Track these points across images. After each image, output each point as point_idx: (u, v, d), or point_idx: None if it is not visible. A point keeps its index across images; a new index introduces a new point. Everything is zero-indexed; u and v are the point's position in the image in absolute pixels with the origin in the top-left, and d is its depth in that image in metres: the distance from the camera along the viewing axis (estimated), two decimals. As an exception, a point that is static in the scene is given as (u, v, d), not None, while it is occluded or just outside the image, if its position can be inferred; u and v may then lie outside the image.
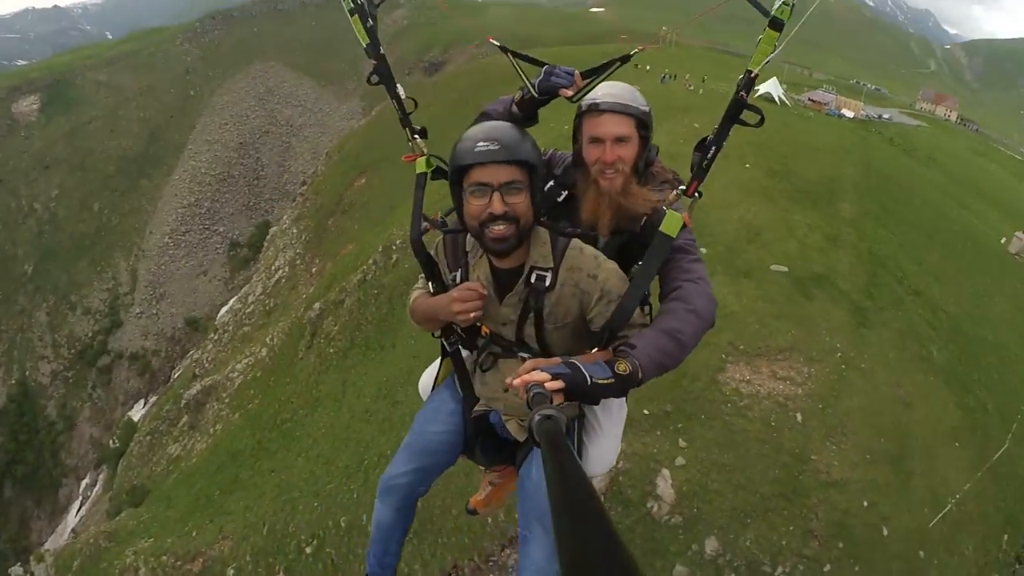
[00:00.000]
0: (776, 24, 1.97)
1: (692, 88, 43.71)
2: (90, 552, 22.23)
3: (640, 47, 2.73)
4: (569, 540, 0.74)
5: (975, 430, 12.60)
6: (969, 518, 10.37)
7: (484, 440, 2.60)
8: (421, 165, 2.63)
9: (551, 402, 1.69)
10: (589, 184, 2.44)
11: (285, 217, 49.49)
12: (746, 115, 2.14)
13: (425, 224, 2.50)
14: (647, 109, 2.46)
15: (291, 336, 27.31)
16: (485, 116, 2.62)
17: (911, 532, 9.21)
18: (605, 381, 1.85)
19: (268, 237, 53.98)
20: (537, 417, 1.37)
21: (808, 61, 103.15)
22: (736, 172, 20.58)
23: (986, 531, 10.53)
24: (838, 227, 18.47)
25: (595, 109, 2.39)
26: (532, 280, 2.20)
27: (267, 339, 30.39)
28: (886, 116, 63.36)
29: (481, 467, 3.13)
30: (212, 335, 42.83)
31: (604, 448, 2.57)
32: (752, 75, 2.07)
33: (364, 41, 2.65)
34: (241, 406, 25.87)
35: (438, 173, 2.63)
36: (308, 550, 10.74)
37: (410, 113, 2.72)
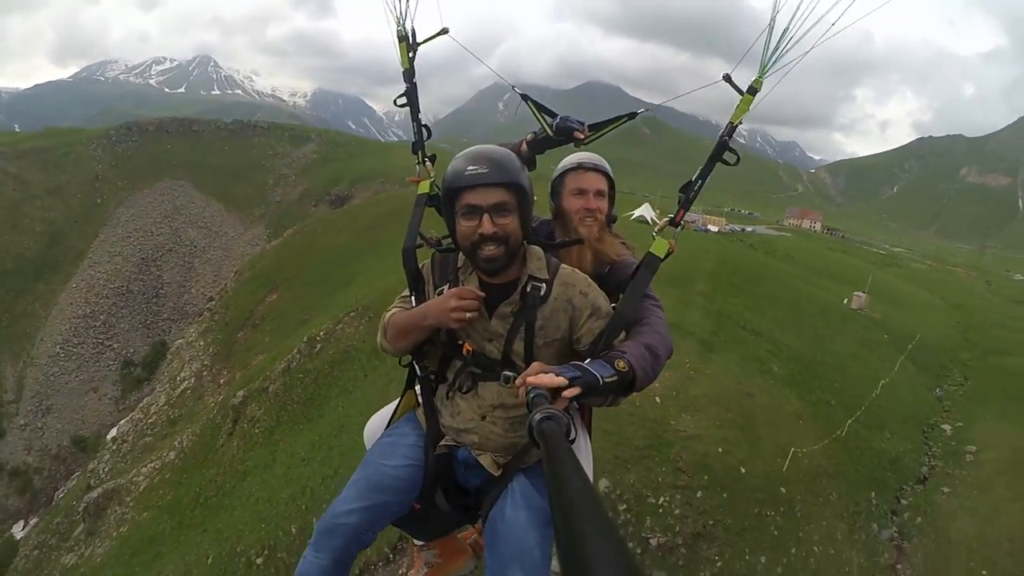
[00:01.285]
0: (752, 91, 2.33)
1: None
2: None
3: (644, 109, 3.11)
4: (572, 540, 0.75)
5: (817, 416, 16.12)
6: (826, 472, 13.45)
7: (444, 486, 2.47)
8: (424, 187, 2.83)
9: (550, 403, 1.71)
10: (570, 232, 2.78)
11: (191, 330, 49.43)
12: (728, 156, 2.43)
13: (420, 241, 2.61)
14: (612, 173, 2.98)
15: (203, 435, 27.31)
16: None
17: (767, 473, 12.00)
18: (611, 379, 2.00)
19: (172, 349, 52.85)
20: (538, 417, 1.45)
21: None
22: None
23: (849, 486, 13.63)
24: (691, 297, 22.44)
25: (581, 167, 2.87)
26: (528, 290, 2.25)
27: (175, 443, 29.68)
28: (749, 229, 71.90)
29: (416, 542, 3.05)
30: (111, 446, 40.79)
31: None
32: (734, 125, 2.38)
33: (404, 66, 2.94)
34: (150, 505, 25.19)
35: (433, 200, 2.77)
36: (259, 560, 12.11)
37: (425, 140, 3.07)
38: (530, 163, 2.82)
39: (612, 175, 2.98)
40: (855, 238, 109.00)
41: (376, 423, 2.78)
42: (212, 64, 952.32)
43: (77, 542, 28.39)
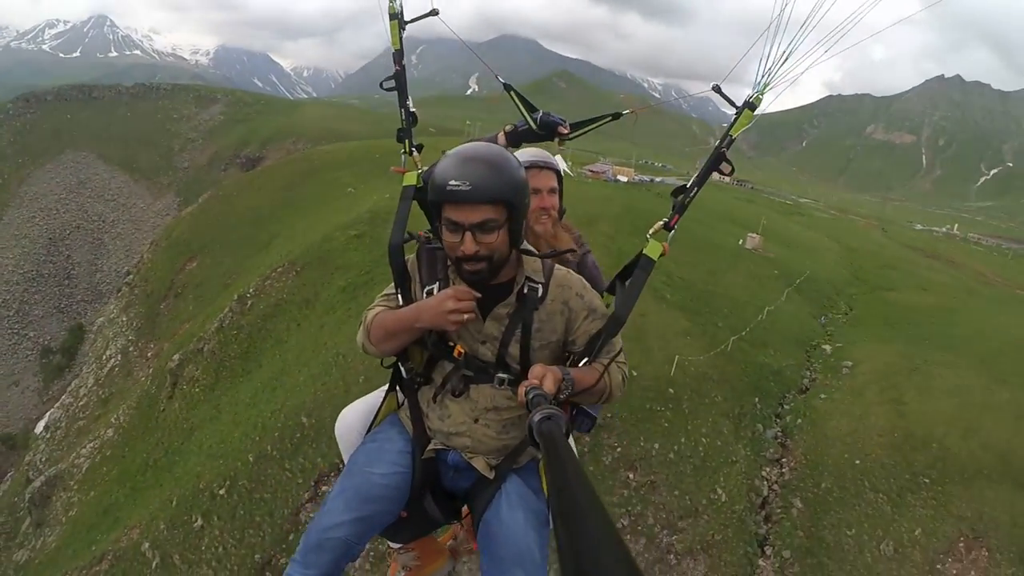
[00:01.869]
0: (751, 106, 2.43)
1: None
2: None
3: (629, 111, 3.04)
4: (572, 540, 0.75)
5: (704, 334, 18.55)
6: (711, 378, 15.85)
7: (431, 490, 2.40)
8: (410, 179, 2.65)
9: (550, 404, 1.66)
10: (527, 230, 2.65)
11: (111, 307, 48.24)
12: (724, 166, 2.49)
13: (407, 236, 2.47)
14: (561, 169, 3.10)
15: (140, 407, 27.62)
16: None
17: (657, 376, 14.35)
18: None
19: (95, 329, 51.79)
20: (538, 417, 1.44)
21: (598, 148, 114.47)
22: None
23: (733, 392, 16.01)
24: (595, 237, 24.48)
25: (535, 166, 2.86)
26: (525, 291, 2.19)
27: (111, 419, 29.81)
28: (658, 180, 74.03)
29: (393, 545, 2.97)
30: (44, 435, 40.51)
31: None
32: (732, 138, 2.48)
33: (395, 47, 2.86)
34: (97, 482, 25.36)
35: (420, 192, 2.61)
36: (221, 491, 13.48)
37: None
38: None
39: (561, 171, 3.10)
40: (764, 189, 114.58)
41: (350, 418, 2.68)
42: (108, 24, 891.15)
43: (26, 536, 28.46)
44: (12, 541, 30.01)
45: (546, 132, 2.88)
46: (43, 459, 36.04)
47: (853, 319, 26.17)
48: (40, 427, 46.94)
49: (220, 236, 44.21)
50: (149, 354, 36.58)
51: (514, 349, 2.19)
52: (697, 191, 2.54)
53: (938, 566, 11.89)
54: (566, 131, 2.88)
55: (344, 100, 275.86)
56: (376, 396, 2.64)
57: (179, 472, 17.15)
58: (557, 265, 2.32)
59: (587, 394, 2.17)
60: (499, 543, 2.12)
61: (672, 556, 12.49)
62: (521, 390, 1.81)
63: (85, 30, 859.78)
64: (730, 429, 14.83)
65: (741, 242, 34.60)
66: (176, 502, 15.26)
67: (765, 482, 14.33)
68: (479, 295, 2.13)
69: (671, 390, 14.57)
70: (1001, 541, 11.93)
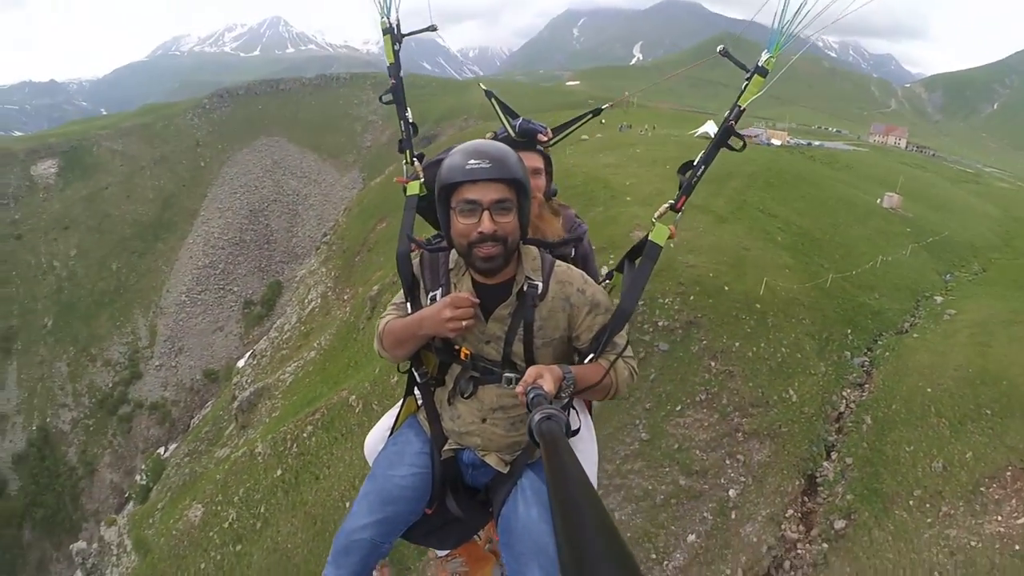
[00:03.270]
0: (762, 72, 2.29)
1: (643, 133, 56.33)
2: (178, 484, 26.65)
3: (609, 104, 3.08)
4: (572, 539, 0.77)
5: (806, 271, 20.73)
6: (801, 303, 18.51)
7: (453, 488, 2.52)
8: (414, 188, 2.79)
9: (550, 403, 1.72)
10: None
11: (312, 262, 56.28)
12: (733, 141, 2.47)
13: (411, 243, 2.56)
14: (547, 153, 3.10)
15: (339, 333, 32.43)
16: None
17: (747, 292, 17.32)
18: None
19: (297, 279, 59.69)
20: (538, 417, 1.47)
21: (771, 114, 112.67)
22: (663, 170, 30.36)
23: (824, 319, 18.43)
24: (723, 190, 27.02)
25: (518, 147, 2.69)
26: (525, 290, 2.25)
27: (314, 344, 34.87)
28: (816, 144, 71.16)
29: (439, 554, 3.10)
30: (251, 361, 47.81)
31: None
32: (741, 109, 2.39)
33: (390, 60, 2.92)
34: (300, 390, 28.85)
35: (424, 200, 2.76)
36: None
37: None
38: None
39: (546, 150, 3.06)
40: (948, 157, 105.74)
41: (375, 438, 2.81)
42: (283, 23, 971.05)
43: (229, 438, 33.23)
44: (215, 444, 35.60)
45: (526, 138, 2.94)
46: (248, 380, 41.42)
47: (982, 279, 26.26)
48: (241, 363, 54.61)
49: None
50: (346, 297, 42.06)
51: (518, 348, 2.26)
52: (705, 169, 2.50)
53: (981, 488, 12.74)
54: (546, 137, 2.95)
55: (510, 77, 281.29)
56: (396, 410, 2.72)
57: (378, 363, 21.14)
58: (558, 261, 2.36)
59: (591, 391, 2.22)
60: (516, 538, 2.22)
61: (740, 434, 15.25)
62: (519, 390, 1.88)
63: (262, 31, 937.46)
64: (813, 347, 17.34)
65: (879, 201, 34.94)
66: (379, 369, 20.12)
67: (844, 400, 16.55)
68: (477, 301, 2.21)
69: (758, 305, 17.38)
70: None
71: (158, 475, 44.22)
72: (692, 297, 17.34)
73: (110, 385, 75.99)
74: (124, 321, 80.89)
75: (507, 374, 2.29)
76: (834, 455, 15.24)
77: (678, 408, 15.90)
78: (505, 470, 2.40)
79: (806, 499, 14.61)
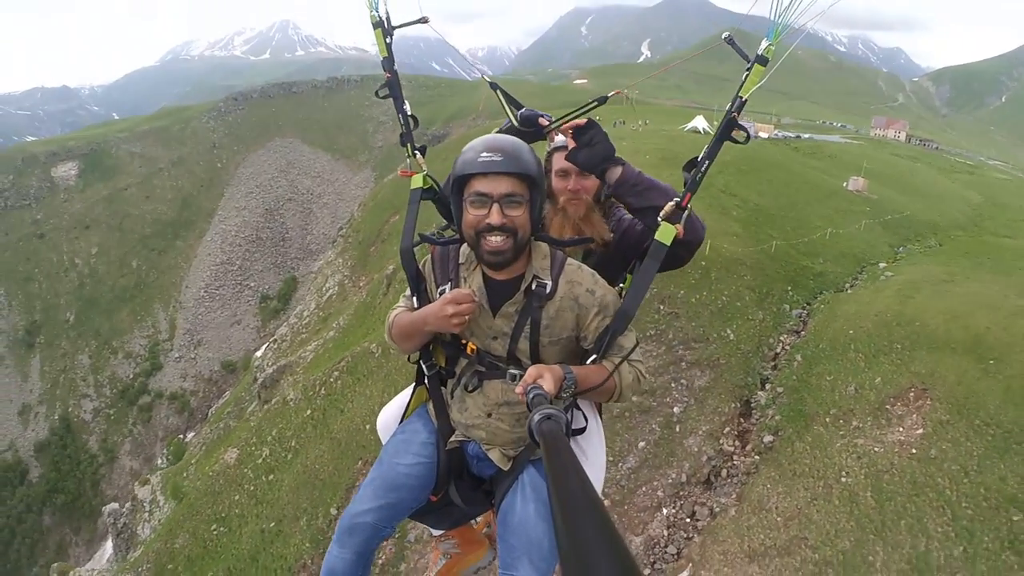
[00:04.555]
0: (762, 60, 2.30)
1: (637, 128, 58.88)
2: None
3: (615, 92, 3.01)
4: (571, 539, 0.79)
5: (755, 238, 23.35)
6: (744, 262, 21.29)
7: (458, 477, 2.63)
8: (417, 181, 2.87)
9: (551, 403, 1.75)
10: (558, 211, 2.91)
11: (329, 253, 60.03)
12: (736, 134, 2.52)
13: (418, 237, 2.63)
14: None
15: (357, 314, 35.16)
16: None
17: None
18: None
19: (316, 269, 63.56)
20: (537, 417, 1.50)
21: (776, 109, 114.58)
22: (642, 159, 32.24)
23: (765, 277, 21.34)
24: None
25: (564, 147, 2.83)
26: (533, 288, 2.29)
27: (333, 325, 37.57)
28: (805, 136, 73.18)
29: (434, 532, 3.24)
30: (272, 346, 50.68)
31: (592, 476, 2.53)
32: (743, 100, 2.41)
33: (383, 54, 2.96)
34: (320, 365, 30.13)
35: (428, 193, 2.90)
36: None
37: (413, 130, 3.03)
38: None
39: (547, 135, 3.03)
40: (951, 150, 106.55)
41: (389, 415, 2.91)
42: (292, 26, 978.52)
43: (252, 415, 34.61)
44: (236, 422, 38.29)
45: (529, 126, 2.97)
46: (269, 363, 43.54)
47: (935, 251, 27.93)
48: (259, 353, 55.54)
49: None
50: (362, 284, 45.27)
51: (524, 345, 2.32)
52: (708, 165, 2.56)
53: (887, 406, 14.70)
54: (546, 122, 2.95)
55: (519, 76, 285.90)
56: (410, 389, 2.82)
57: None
58: (568, 259, 2.39)
59: (593, 393, 2.27)
60: (512, 531, 2.30)
61: (684, 363, 18.07)
62: (519, 389, 1.90)
63: (271, 34, 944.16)
64: (753, 299, 20.10)
65: (845, 184, 37.06)
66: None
67: (780, 343, 19.19)
68: (476, 297, 2.26)
69: (703, 262, 19.84)
70: (944, 393, 14.28)
71: (179, 457, 46.60)
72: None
73: (131, 376, 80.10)
74: (144, 315, 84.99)
75: (511, 371, 2.34)
76: (768, 386, 17.88)
77: (630, 341, 19.20)
78: (506, 467, 2.46)
79: (742, 420, 17.34)
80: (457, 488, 2.64)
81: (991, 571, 10.11)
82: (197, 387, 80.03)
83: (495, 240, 2.17)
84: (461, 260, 2.43)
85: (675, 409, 17.58)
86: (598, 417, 2.77)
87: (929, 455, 12.82)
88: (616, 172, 2.68)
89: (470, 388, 2.43)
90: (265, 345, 59.15)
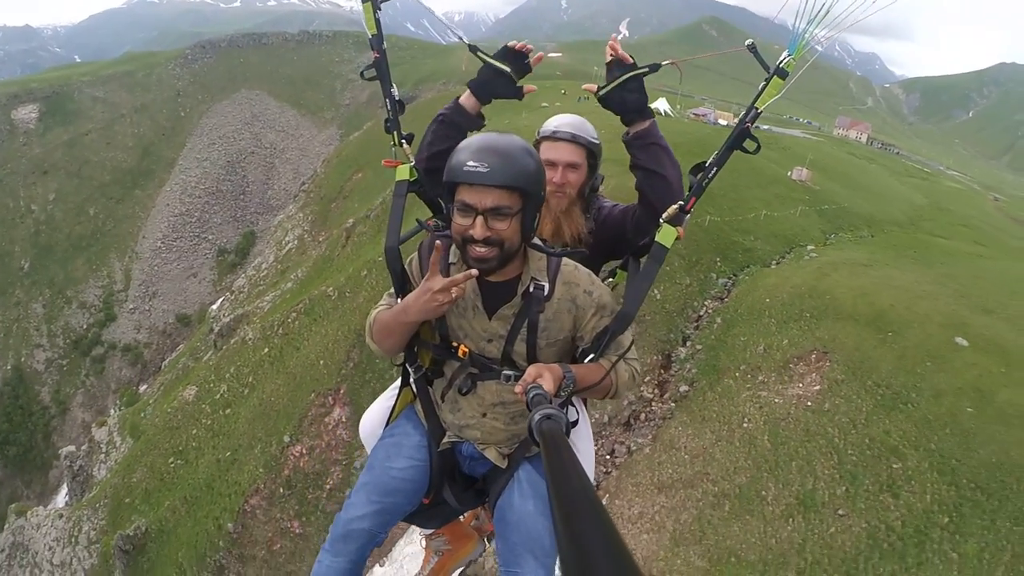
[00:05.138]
0: (782, 73, 2.32)
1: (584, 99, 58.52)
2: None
3: (671, 61, 2.76)
4: (571, 539, 0.79)
5: (693, 214, 25.63)
6: (687, 233, 23.59)
7: (451, 478, 2.60)
8: (403, 172, 2.73)
9: (551, 403, 1.72)
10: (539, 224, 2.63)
11: (291, 207, 60.92)
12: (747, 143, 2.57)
13: (416, 224, 2.50)
14: (598, 141, 2.93)
15: (315, 266, 36.45)
16: (440, 119, 2.82)
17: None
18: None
19: (276, 223, 64.15)
20: (537, 416, 1.48)
21: (743, 99, 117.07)
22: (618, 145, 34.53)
23: (696, 248, 22.89)
24: None
25: (552, 136, 2.83)
26: (531, 291, 2.22)
27: (291, 276, 38.75)
28: (764, 127, 74.31)
29: (424, 531, 3.27)
30: (230, 296, 51.59)
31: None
32: (758, 111, 2.44)
33: (372, 31, 2.78)
34: (277, 312, 31.31)
35: (414, 185, 2.76)
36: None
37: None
38: (479, 119, 2.85)
39: (595, 142, 2.94)
40: (911, 156, 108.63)
41: (371, 419, 2.86)
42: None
43: (209, 359, 35.78)
44: (198, 361, 40.05)
45: (512, 60, 2.76)
46: (227, 312, 44.30)
47: (865, 241, 29.09)
48: (214, 308, 56.62)
49: (382, 154, 54.00)
50: (321, 238, 46.23)
51: (520, 347, 2.25)
52: (716, 171, 2.62)
53: (790, 365, 16.15)
54: (529, 47, 2.75)
55: (495, 43, 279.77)
56: (393, 391, 2.78)
57: (352, 265, 26.46)
58: (565, 260, 2.31)
59: (591, 391, 2.24)
60: (511, 529, 2.29)
61: None
62: (519, 389, 1.84)
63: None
64: (682, 265, 21.84)
65: (789, 174, 38.32)
66: (353, 269, 25.18)
67: (705, 308, 21.06)
68: (464, 286, 2.09)
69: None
70: (842, 356, 15.65)
71: (132, 404, 46.00)
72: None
73: (84, 327, 79.52)
74: (100, 265, 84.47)
75: (506, 371, 2.29)
76: (688, 343, 19.76)
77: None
78: (503, 464, 2.45)
79: (663, 371, 19.15)
80: (451, 488, 2.61)
81: (869, 509, 11.13)
82: (151, 339, 79.81)
83: (479, 250, 2.06)
84: (452, 260, 2.28)
85: (601, 358, 19.55)
86: (584, 409, 2.78)
87: (823, 408, 13.98)
88: (643, 125, 2.79)
89: (464, 391, 2.37)
90: (222, 299, 59.61)
